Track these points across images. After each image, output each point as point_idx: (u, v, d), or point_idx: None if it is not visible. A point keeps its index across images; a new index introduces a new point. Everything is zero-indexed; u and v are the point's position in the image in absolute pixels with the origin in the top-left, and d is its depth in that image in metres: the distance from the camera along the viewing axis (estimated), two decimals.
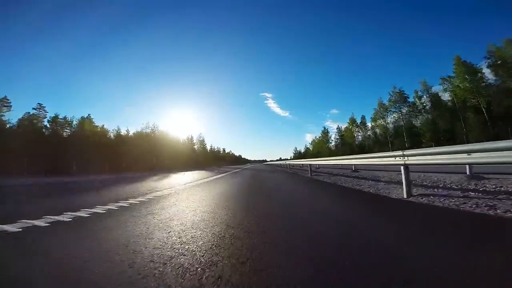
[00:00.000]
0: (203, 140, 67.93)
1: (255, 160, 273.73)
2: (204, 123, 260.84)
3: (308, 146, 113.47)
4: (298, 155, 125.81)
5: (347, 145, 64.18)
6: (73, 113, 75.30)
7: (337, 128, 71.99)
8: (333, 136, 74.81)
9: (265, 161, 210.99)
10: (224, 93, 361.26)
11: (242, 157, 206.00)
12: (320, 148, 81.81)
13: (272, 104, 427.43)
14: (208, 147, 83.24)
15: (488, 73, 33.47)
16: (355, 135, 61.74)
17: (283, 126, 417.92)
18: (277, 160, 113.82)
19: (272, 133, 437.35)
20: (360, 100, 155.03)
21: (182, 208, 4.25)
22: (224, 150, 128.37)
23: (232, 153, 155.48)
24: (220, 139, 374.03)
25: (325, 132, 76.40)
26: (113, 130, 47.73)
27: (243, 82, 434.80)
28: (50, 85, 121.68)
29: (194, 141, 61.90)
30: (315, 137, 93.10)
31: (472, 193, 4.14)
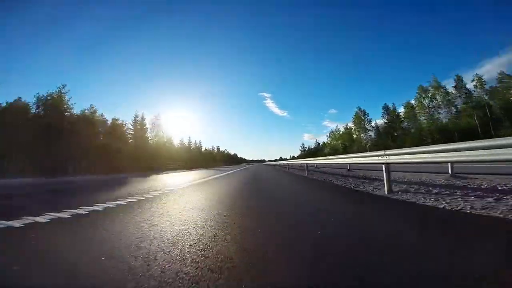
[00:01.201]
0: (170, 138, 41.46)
1: (253, 160, 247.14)
2: (202, 122, 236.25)
3: (321, 141, 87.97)
4: (308, 153, 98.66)
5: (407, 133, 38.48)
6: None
7: (383, 108, 45.53)
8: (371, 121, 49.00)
9: (264, 161, 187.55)
10: (222, 93, 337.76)
11: (238, 156, 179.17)
12: (347, 139, 56.09)
13: (270, 104, 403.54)
14: (188, 144, 57.20)
15: None
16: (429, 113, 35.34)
17: (282, 126, 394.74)
18: (276, 160, 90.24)
19: (271, 133, 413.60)
20: (359, 100, 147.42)
21: None
22: (218, 148, 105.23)
23: (228, 152, 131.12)
24: (218, 138, 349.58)
25: (360, 116, 50.08)
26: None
27: (242, 81, 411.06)
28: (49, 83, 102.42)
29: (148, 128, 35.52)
30: (336, 126, 67.24)
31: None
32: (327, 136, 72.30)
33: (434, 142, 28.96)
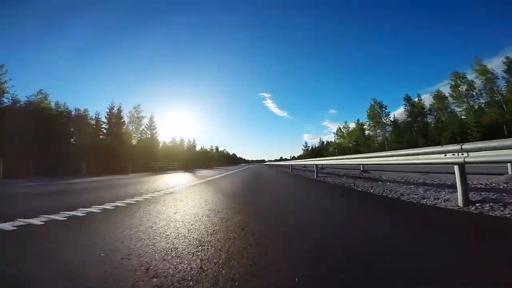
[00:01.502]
0: (152, 127, 34.70)
1: (253, 160, 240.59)
2: (202, 123, 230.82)
3: (326, 140, 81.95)
4: (312, 153, 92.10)
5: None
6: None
7: (405, 100, 38.91)
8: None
9: (264, 161, 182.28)
10: (222, 93, 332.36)
11: (238, 156, 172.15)
12: (359, 136, 49.29)
13: (270, 104, 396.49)
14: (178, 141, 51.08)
15: None
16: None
17: (282, 126, 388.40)
18: (276, 160, 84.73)
19: (271, 133, 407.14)
20: (359, 100, 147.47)
21: None
22: (217, 148, 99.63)
23: (227, 152, 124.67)
24: (218, 138, 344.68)
25: (375, 109, 43.54)
26: None
27: (241, 81, 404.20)
28: (46, 82, 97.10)
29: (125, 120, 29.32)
30: (345, 123, 60.52)
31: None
32: (333, 133, 65.66)
33: (485, 137, 22.59)
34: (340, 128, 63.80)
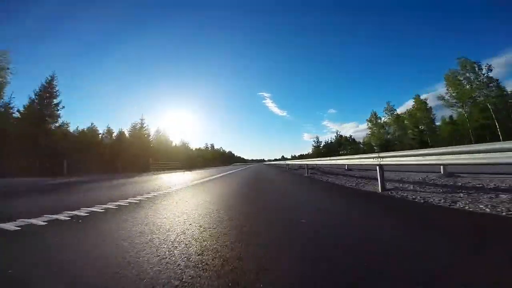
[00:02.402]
0: None
1: (253, 160, 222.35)
2: (202, 123, 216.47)
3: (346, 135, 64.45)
4: (327, 150, 72.90)
5: None
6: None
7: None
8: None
9: (264, 160, 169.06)
10: (222, 93, 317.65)
11: (236, 155, 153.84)
12: (417, 121, 31.05)
13: (270, 104, 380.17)
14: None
15: None
16: None
17: (282, 126, 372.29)
18: (276, 160, 70.05)
19: (270, 133, 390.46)
20: (358, 100, 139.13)
21: None
22: (212, 146, 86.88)
23: (223, 150, 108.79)
24: (219, 138, 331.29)
25: (465, 70, 25.51)
26: None
27: (241, 81, 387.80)
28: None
29: None
30: (387, 104, 42.10)
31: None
32: (366, 120, 46.72)
33: None
34: (375, 114, 44.27)
